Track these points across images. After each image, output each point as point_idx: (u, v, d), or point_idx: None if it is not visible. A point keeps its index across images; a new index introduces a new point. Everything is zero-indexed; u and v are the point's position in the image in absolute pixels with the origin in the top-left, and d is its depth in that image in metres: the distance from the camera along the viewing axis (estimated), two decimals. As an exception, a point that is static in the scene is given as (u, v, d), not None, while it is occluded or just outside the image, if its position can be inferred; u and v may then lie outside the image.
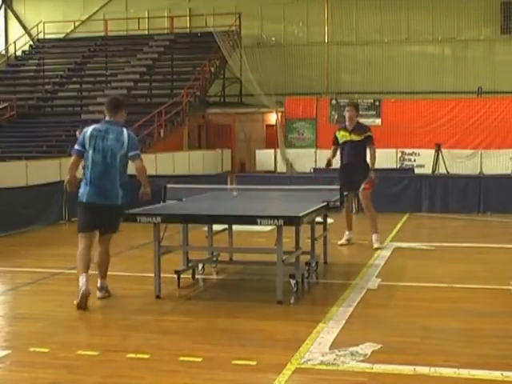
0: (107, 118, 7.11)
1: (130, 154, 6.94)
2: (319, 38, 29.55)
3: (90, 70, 29.98)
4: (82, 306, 6.61)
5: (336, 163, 10.24)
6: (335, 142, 10.21)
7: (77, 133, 17.70)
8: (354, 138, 9.99)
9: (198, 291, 7.63)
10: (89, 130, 7.00)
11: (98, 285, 7.13)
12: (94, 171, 6.94)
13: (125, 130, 7.02)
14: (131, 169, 7.14)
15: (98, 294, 7.06)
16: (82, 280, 6.78)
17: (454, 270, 8.61)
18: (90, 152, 6.91)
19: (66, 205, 13.71)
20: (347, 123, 10.09)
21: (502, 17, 27.71)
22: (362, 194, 10.09)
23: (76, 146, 7.03)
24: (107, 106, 7.17)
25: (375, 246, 9.85)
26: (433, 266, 8.82)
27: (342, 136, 10.09)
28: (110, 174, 6.95)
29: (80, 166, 7.14)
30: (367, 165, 10.04)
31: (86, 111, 26.75)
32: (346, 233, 10.35)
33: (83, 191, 7.10)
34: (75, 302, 6.63)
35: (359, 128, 10.10)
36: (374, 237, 9.97)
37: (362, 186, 9.96)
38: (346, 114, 10.14)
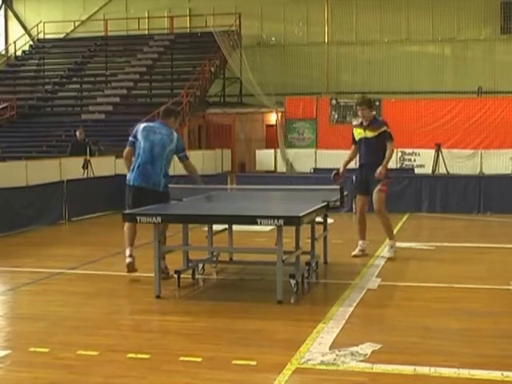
0: (160, 120, 8.11)
1: (181, 154, 8.00)
2: (319, 38, 29.55)
3: (90, 70, 29.99)
4: (131, 271, 7.79)
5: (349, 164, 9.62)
6: (353, 140, 9.45)
7: (77, 133, 17.77)
8: (369, 134, 9.18)
9: (197, 291, 7.63)
10: (142, 125, 8.12)
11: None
12: (142, 158, 7.82)
13: (174, 132, 8.04)
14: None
15: None
16: (127, 253, 7.81)
17: (454, 270, 8.62)
18: (142, 142, 7.85)
19: (66, 205, 13.72)
20: (363, 120, 9.36)
21: (501, 17, 27.71)
22: (376, 195, 9.18)
23: (130, 138, 8.04)
24: (161, 112, 8.29)
25: (388, 254, 9.20)
26: (433, 266, 8.82)
27: (358, 133, 9.33)
28: (155, 162, 7.80)
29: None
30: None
31: (85, 111, 26.77)
32: (360, 242, 9.45)
33: (130, 176, 7.92)
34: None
35: (374, 123, 9.27)
36: (390, 244, 9.30)
37: (378, 186, 9.13)
38: (359, 113, 9.46)
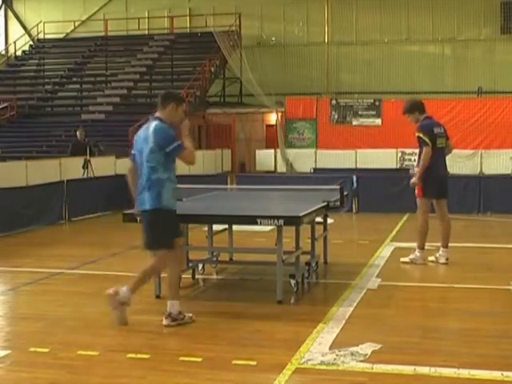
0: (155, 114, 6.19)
1: (168, 148, 5.93)
2: (319, 38, 29.55)
3: (90, 70, 29.99)
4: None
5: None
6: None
7: (77, 133, 17.76)
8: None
9: (198, 291, 7.63)
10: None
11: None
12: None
13: (153, 124, 6.01)
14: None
15: (164, 321, 6.12)
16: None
17: (454, 270, 8.61)
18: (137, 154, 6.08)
19: (66, 205, 13.72)
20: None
21: (502, 17, 27.70)
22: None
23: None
24: (158, 99, 6.25)
25: (441, 260, 8.90)
26: (433, 265, 8.82)
27: None
28: (141, 174, 6.04)
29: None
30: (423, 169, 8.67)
31: (86, 111, 26.77)
32: (418, 253, 9.01)
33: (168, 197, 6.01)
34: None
35: (417, 127, 8.89)
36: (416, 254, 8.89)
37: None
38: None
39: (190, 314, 6.15)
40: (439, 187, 8.81)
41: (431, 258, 8.99)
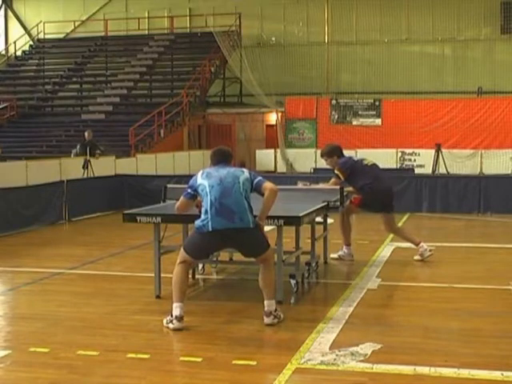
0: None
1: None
2: (319, 38, 29.54)
3: (90, 70, 30.00)
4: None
5: None
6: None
7: (85, 133, 17.84)
8: None
9: (198, 291, 7.63)
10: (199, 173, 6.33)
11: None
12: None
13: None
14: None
15: (266, 319, 6.13)
16: (176, 313, 6.07)
17: (454, 270, 8.62)
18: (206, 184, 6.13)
19: (66, 205, 13.72)
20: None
21: (502, 17, 27.69)
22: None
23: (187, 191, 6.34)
24: (216, 155, 6.40)
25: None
26: (433, 266, 8.82)
27: None
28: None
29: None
30: None
31: (86, 111, 26.77)
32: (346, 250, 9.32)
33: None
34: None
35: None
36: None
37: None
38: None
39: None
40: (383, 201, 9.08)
41: (416, 258, 9.10)
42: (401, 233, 9.46)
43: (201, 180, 6.18)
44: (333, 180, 9.02)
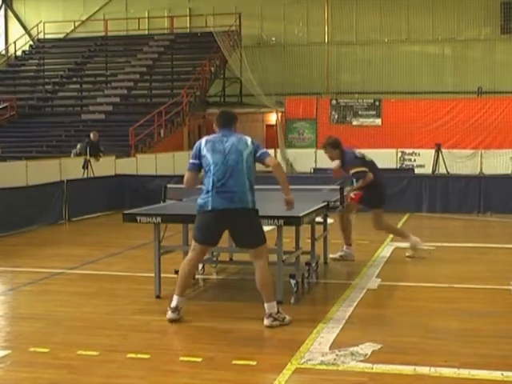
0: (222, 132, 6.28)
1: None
2: (319, 38, 29.55)
3: (90, 70, 30.00)
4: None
5: None
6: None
7: (91, 135, 17.85)
8: None
9: (198, 291, 7.63)
10: (202, 140, 6.28)
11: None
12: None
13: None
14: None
15: (266, 321, 6.05)
16: (173, 304, 6.16)
17: (454, 269, 8.61)
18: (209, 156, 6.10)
19: (66, 205, 13.72)
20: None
21: (501, 17, 27.71)
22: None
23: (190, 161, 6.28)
24: (220, 119, 6.35)
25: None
26: (433, 266, 8.82)
27: None
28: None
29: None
30: None
31: (86, 111, 26.78)
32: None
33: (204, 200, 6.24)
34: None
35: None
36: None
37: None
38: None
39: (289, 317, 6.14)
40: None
41: (408, 254, 9.21)
42: (390, 228, 9.58)
43: (205, 151, 6.15)
44: (361, 181, 8.96)
